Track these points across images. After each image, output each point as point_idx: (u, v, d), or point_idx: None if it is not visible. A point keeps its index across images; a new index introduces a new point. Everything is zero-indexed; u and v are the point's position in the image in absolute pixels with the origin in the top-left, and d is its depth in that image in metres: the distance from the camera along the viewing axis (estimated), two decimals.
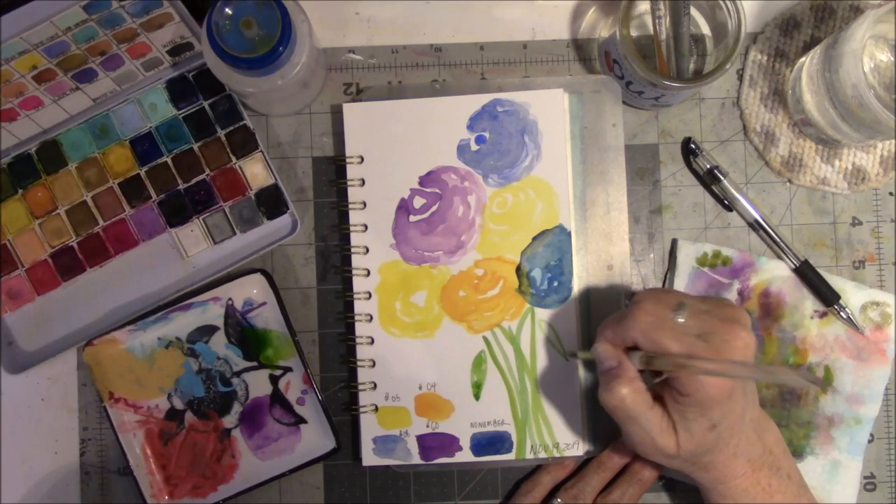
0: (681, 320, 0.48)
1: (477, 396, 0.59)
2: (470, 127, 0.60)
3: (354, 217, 0.60)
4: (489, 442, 0.59)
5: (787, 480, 0.52)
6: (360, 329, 0.60)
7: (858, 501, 0.60)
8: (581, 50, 0.62)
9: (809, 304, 0.60)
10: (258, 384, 0.61)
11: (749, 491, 0.51)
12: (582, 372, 0.59)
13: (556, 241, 0.59)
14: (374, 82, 0.62)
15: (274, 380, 0.61)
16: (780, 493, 0.51)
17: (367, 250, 0.60)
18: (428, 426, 0.59)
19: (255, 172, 0.61)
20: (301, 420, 0.61)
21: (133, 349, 0.61)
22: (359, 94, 0.62)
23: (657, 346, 0.48)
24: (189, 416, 0.61)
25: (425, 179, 0.60)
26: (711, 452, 0.50)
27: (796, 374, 0.42)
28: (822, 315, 0.60)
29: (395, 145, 0.60)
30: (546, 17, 0.62)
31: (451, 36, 0.62)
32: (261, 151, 0.61)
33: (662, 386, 0.51)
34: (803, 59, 0.60)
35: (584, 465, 0.60)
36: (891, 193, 0.62)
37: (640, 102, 0.60)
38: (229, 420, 0.61)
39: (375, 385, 0.60)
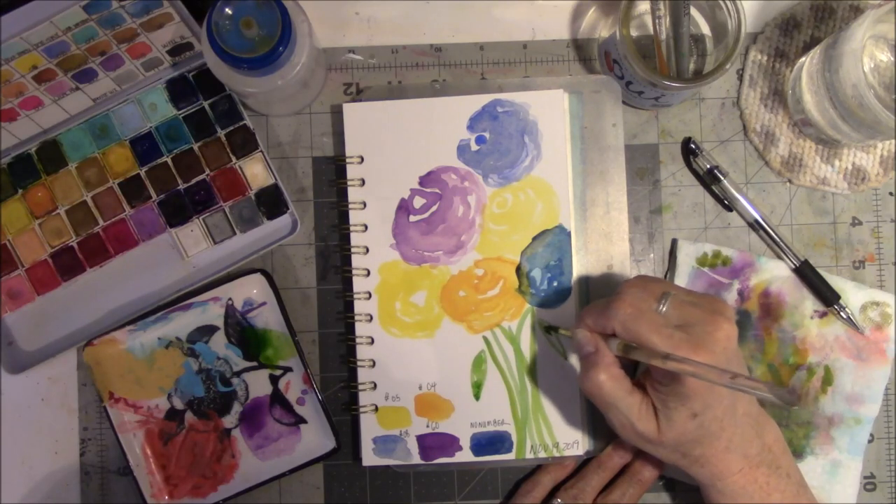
0: (662, 310, 0.49)
1: (477, 396, 0.59)
2: (470, 127, 0.60)
3: (354, 217, 0.60)
4: (489, 442, 0.59)
5: (786, 479, 0.52)
6: (360, 329, 0.60)
7: (858, 501, 0.60)
8: (581, 50, 0.62)
9: (809, 304, 0.60)
10: (258, 384, 0.61)
11: (747, 488, 0.51)
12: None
13: (555, 241, 0.59)
14: (374, 82, 0.62)
15: (274, 380, 0.61)
16: (779, 492, 0.51)
17: (367, 250, 0.60)
18: (428, 426, 0.59)
19: (255, 172, 0.61)
20: (301, 420, 0.61)
21: (133, 349, 0.61)
22: (359, 94, 0.62)
23: (636, 338, 0.48)
24: (189, 416, 0.61)
25: (425, 179, 0.60)
26: (701, 444, 0.50)
27: (768, 390, 0.42)
28: (822, 315, 0.60)
29: (395, 145, 0.60)
30: (546, 17, 0.62)
31: (451, 36, 0.62)
32: (261, 151, 0.61)
33: (644, 372, 0.51)
34: (803, 59, 0.60)
35: (584, 465, 0.60)
36: (891, 193, 0.62)
37: (640, 102, 0.60)
38: (229, 420, 0.61)
39: (375, 385, 0.60)
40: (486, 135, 0.60)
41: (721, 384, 0.43)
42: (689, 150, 0.61)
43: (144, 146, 0.61)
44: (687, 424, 0.49)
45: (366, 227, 0.60)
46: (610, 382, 0.50)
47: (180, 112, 0.61)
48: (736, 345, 0.49)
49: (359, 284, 0.60)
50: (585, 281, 0.60)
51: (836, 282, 0.60)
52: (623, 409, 0.50)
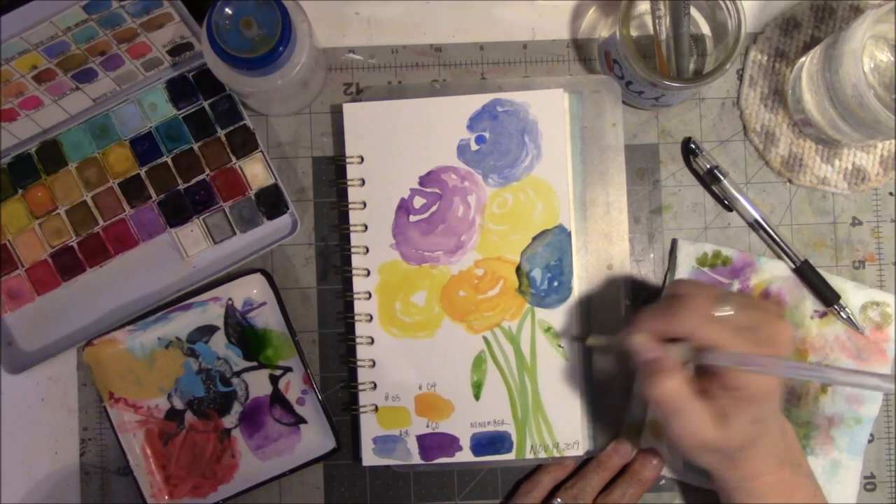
0: (730, 312, 0.48)
1: (477, 396, 0.59)
2: (470, 127, 0.60)
3: (354, 217, 0.60)
4: (489, 442, 0.59)
5: (806, 478, 0.52)
6: (360, 329, 0.60)
7: (858, 501, 0.60)
8: (581, 50, 0.62)
9: (809, 304, 0.60)
10: (258, 384, 0.61)
11: (775, 489, 0.50)
12: (582, 372, 0.59)
13: (556, 241, 0.59)
14: (374, 82, 0.62)
15: (274, 380, 0.61)
16: (802, 491, 0.51)
17: (367, 250, 0.60)
18: (428, 426, 0.59)
19: (255, 172, 0.61)
20: (301, 420, 0.61)
21: (133, 349, 0.61)
22: (359, 94, 0.62)
23: (709, 341, 0.47)
24: (189, 416, 0.61)
25: (425, 179, 0.60)
26: (749, 448, 0.49)
27: (856, 378, 0.41)
28: (822, 315, 0.60)
29: (395, 145, 0.60)
30: (546, 17, 0.62)
31: (451, 36, 0.62)
32: (261, 151, 0.61)
33: (709, 378, 0.49)
34: (803, 59, 0.60)
35: (584, 464, 0.60)
36: (891, 193, 0.62)
37: (640, 102, 0.60)
38: (229, 420, 0.61)
39: (375, 385, 0.60)
40: (486, 134, 0.60)
41: (831, 381, 0.42)
42: (689, 150, 0.61)
43: (144, 146, 0.61)
44: (747, 429, 0.48)
45: (366, 227, 0.60)
46: (679, 389, 0.48)
47: (180, 112, 0.61)
48: (793, 347, 0.49)
49: (359, 284, 0.60)
50: (585, 281, 0.60)
51: (836, 282, 0.60)
52: (690, 416, 0.48)
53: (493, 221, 0.60)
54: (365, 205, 0.60)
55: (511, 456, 0.59)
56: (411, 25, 0.62)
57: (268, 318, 0.61)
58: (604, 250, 0.60)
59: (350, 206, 0.60)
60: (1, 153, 0.61)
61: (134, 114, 0.61)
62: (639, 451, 0.59)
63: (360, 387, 0.59)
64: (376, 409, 0.59)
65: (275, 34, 0.50)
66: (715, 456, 0.50)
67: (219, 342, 0.61)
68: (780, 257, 0.61)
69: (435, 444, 0.59)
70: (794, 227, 0.62)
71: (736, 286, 0.60)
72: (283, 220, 0.61)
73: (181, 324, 0.61)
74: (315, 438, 0.60)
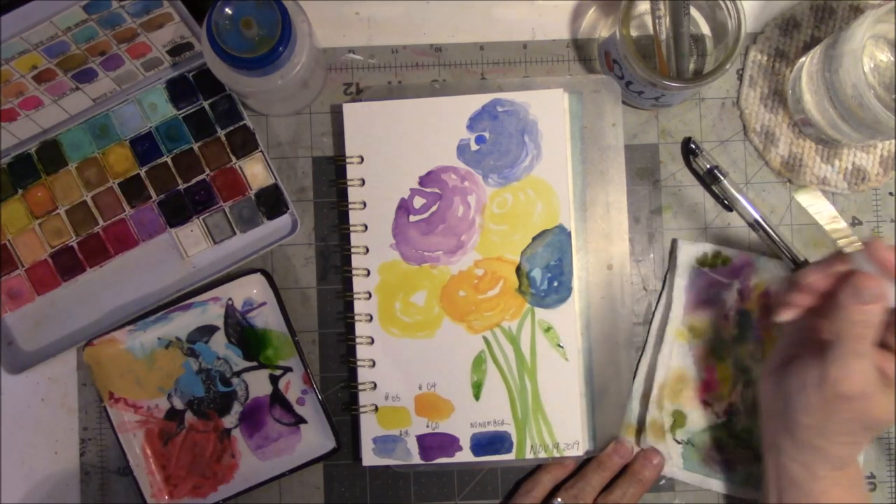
0: None
1: (477, 396, 0.59)
2: (470, 127, 0.60)
3: (354, 217, 0.60)
4: (489, 442, 0.59)
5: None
6: (360, 329, 0.60)
7: None
8: (581, 50, 0.62)
9: None
10: (258, 384, 0.61)
11: (856, 480, 0.51)
12: (582, 372, 0.59)
13: (556, 241, 0.59)
14: (374, 82, 0.62)
15: (274, 380, 0.61)
16: (864, 487, 0.52)
17: (367, 250, 0.60)
18: (428, 426, 0.59)
19: (255, 172, 0.61)
20: (301, 420, 0.61)
21: (133, 349, 0.61)
22: (359, 94, 0.62)
23: None
24: (189, 416, 0.61)
25: (425, 179, 0.60)
26: (874, 431, 0.48)
27: None
28: None
29: (395, 145, 0.60)
30: (546, 17, 0.62)
31: (451, 36, 0.62)
32: (261, 151, 0.61)
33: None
34: (803, 59, 0.60)
35: (584, 464, 0.60)
36: (891, 193, 0.62)
37: (640, 102, 0.60)
38: (229, 420, 0.61)
39: (375, 385, 0.60)
40: (486, 134, 0.60)
41: None
42: (689, 150, 0.61)
43: (144, 146, 0.61)
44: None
45: (366, 227, 0.60)
46: (874, 321, 0.44)
47: (180, 112, 0.61)
48: None
49: (359, 284, 0.60)
50: (585, 281, 0.60)
51: None
52: (864, 356, 0.45)
53: (493, 221, 0.60)
54: (365, 205, 0.60)
55: (511, 456, 0.59)
56: (411, 25, 0.62)
57: (268, 318, 0.61)
58: (604, 250, 0.60)
59: (350, 206, 0.60)
60: (1, 153, 0.61)
61: (134, 114, 0.61)
62: (639, 451, 0.59)
63: (360, 387, 0.59)
64: (376, 409, 0.59)
65: (275, 34, 0.50)
66: (842, 420, 0.47)
67: (219, 342, 0.61)
68: (780, 257, 0.61)
69: (435, 444, 0.59)
70: (794, 227, 0.62)
71: (736, 286, 0.60)
72: (283, 220, 0.61)
73: (181, 324, 0.61)
74: (315, 438, 0.60)
